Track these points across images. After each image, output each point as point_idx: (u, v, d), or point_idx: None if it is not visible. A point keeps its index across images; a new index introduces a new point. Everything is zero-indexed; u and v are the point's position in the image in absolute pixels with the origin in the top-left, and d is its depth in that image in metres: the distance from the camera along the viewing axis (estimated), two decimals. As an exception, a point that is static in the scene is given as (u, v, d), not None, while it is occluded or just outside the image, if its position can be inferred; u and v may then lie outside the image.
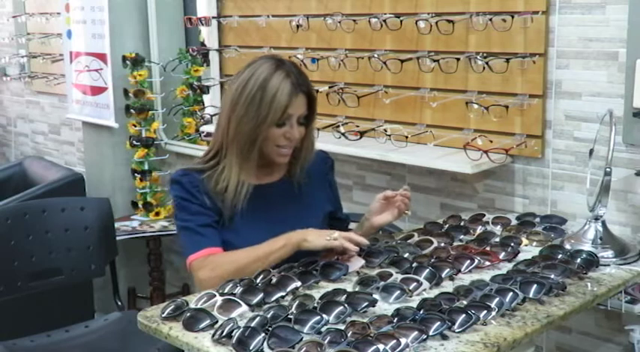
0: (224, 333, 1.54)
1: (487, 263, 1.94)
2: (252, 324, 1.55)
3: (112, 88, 3.80)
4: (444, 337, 1.53)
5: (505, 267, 1.93)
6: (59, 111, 4.67)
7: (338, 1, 2.87)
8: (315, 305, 1.65)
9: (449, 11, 2.52)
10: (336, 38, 2.89)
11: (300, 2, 3.01)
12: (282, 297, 1.73)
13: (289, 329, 1.53)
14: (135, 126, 3.77)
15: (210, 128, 3.41)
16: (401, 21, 2.61)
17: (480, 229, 2.24)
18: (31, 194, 3.54)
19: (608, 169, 2.00)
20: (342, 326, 1.55)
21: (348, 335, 1.51)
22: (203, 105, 3.65)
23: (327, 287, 1.81)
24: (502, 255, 1.98)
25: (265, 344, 1.49)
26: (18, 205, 3.08)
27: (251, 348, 1.48)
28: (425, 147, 2.62)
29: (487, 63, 2.41)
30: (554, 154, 2.40)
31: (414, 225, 2.42)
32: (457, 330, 1.54)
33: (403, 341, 1.47)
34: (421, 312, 1.59)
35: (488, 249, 2.03)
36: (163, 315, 1.67)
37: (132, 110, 3.74)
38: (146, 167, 3.80)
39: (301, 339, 1.49)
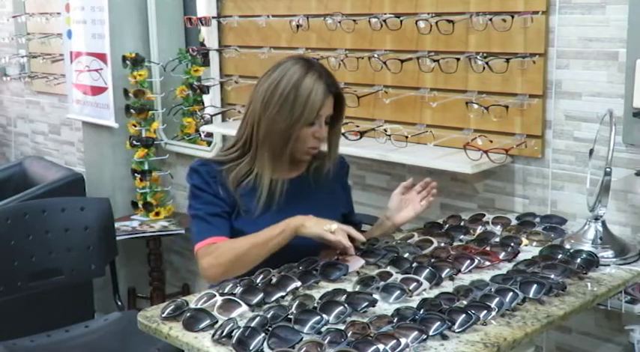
0: (224, 333, 1.54)
1: (487, 263, 1.94)
2: (252, 324, 1.55)
3: (112, 88, 3.80)
4: (444, 337, 1.53)
5: (505, 267, 1.93)
6: (59, 111, 4.67)
7: (338, 1, 2.87)
8: (315, 305, 1.65)
9: (449, 11, 2.52)
10: (336, 38, 2.89)
11: (300, 2, 3.00)
12: (282, 297, 1.73)
13: (289, 329, 1.53)
14: (135, 126, 3.77)
15: (210, 128, 3.41)
16: (401, 21, 2.61)
17: (480, 229, 2.24)
18: (31, 194, 3.54)
19: (608, 169, 2.00)
20: (342, 326, 1.55)
21: (348, 335, 1.51)
22: (203, 105, 3.65)
23: (327, 287, 1.81)
24: (502, 255, 1.99)
25: (265, 344, 1.49)
26: (18, 205, 3.08)
27: (251, 348, 1.48)
28: (425, 147, 2.62)
29: (487, 63, 2.41)
30: (554, 154, 2.40)
31: (414, 225, 2.41)
32: (457, 330, 1.54)
33: (403, 341, 1.47)
34: (421, 312, 1.59)
35: (488, 249, 2.03)
36: (163, 315, 1.67)
37: (132, 110, 3.74)
38: (146, 167, 3.80)
39: (301, 339, 1.49)
